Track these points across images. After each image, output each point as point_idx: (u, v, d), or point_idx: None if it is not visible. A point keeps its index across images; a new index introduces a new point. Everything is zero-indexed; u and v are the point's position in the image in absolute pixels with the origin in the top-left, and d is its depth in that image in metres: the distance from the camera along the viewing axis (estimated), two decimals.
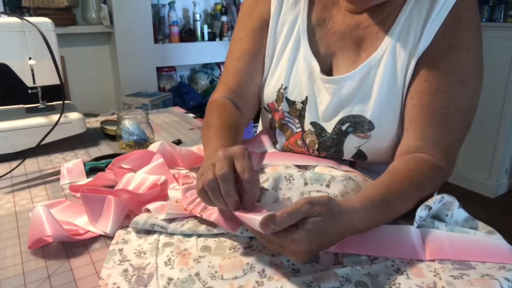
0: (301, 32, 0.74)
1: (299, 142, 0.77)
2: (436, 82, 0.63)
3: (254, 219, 0.46)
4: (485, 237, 0.53)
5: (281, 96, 0.77)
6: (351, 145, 0.71)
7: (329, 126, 0.72)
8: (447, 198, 0.57)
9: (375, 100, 0.67)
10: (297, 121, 0.76)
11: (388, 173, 0.61)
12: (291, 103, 0.76)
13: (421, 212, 0.55)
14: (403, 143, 0.67)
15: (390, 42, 0.66)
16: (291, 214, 0.45)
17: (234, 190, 0.50)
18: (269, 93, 0.79)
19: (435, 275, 0.47)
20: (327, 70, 0.73)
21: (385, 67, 0.66)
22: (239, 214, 0.49)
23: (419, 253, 0.51)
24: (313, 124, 0.74)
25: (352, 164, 0.78)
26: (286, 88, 0.76)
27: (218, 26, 2.78)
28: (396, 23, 0.66)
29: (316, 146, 0.75)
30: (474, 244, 0.52)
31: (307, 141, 0.76)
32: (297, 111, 0.75)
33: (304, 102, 0.74)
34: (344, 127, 0.71)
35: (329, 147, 0.73)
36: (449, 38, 0.63)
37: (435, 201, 0.56)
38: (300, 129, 0.76)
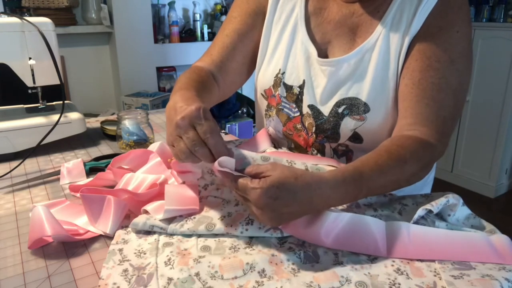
0: (299, 18, 0.76)
1: (299, 126, 0.79)
2: (426, 60, 0.65)
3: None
4: (479, 237, 0.52)
5: (278, 81, 0.79)
6: (347, 127, 0.73)
7: (326, 109, 0.74)
8: (452, 200, 0.57)
9: (370, 83, 0.69)
10: (294, 105, 0.78)
11: (370, 151, 0.61)
12: (288, 88, 0.78)
13: (420, 212, 0.55)
14: (397, 124, 0.68)
15: (384, 27, 0.69)
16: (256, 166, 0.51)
17: (209, 152, 0.53)
18: (267, 79, 0.81)
19: (435, 275, 0.47)
20: (323, 57, 0.75)
21: (380, 51, 0.69)
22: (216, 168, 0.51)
23: (380, 249, 0.51)
24: (311, 107, 0.76)
25: (348, 160, 0.78)
26: (284, 73, 0.78)
27: (218, 26, 2.78)
28: (389, 9, 0.69)
29: (314, 128, 0.76)
30: (457, 243, 0.52)
31: (306, 124, 0.77)
32: (294, 95, 0.77)
33: (301, 86, 0.76)
34: (340, 110, 0.72)
35: (326, 129, 0.75)
36: (439, 20, 0.65)
37: (440, 204, 0.56)
38: (298, 113, 0.78)
